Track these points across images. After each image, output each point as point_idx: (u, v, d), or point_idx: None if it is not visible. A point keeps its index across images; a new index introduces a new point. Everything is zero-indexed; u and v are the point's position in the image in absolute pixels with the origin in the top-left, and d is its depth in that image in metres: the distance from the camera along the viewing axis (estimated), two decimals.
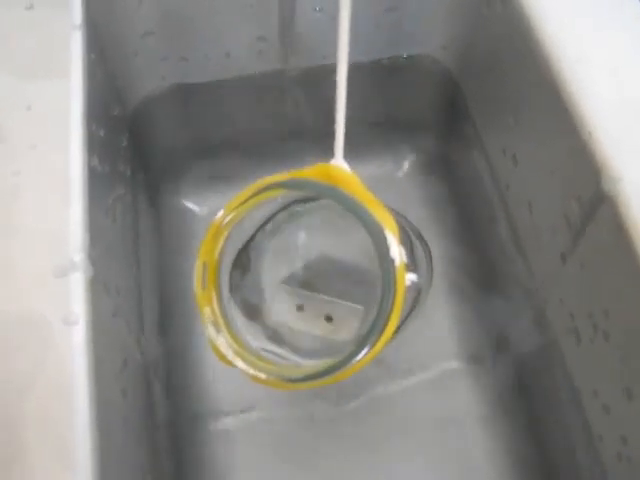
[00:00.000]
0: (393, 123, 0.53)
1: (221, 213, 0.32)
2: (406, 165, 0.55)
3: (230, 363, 0.33)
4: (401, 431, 0.46)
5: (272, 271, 0.38)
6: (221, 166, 0.52)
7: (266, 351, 0.35)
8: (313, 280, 0.38)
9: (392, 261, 0.29)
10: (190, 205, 0.53)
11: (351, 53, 0.47)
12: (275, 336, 0.37)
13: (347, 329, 0.37)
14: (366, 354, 0.30)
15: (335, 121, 0.31)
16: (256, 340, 0.35)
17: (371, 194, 0.31)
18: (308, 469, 0.44)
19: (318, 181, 0.31)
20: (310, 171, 0.31)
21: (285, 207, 0.36)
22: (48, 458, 0.26)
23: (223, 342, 0.33)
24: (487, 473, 0.44)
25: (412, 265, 0.37)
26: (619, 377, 0.34)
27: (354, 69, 0.48)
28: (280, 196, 0.33)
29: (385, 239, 0.29)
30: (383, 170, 0.55)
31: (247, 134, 0.51)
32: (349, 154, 0.55)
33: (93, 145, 0.34)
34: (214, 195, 0.52)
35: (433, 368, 0.48)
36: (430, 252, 0.39)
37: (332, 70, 0.48)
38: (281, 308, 0.37)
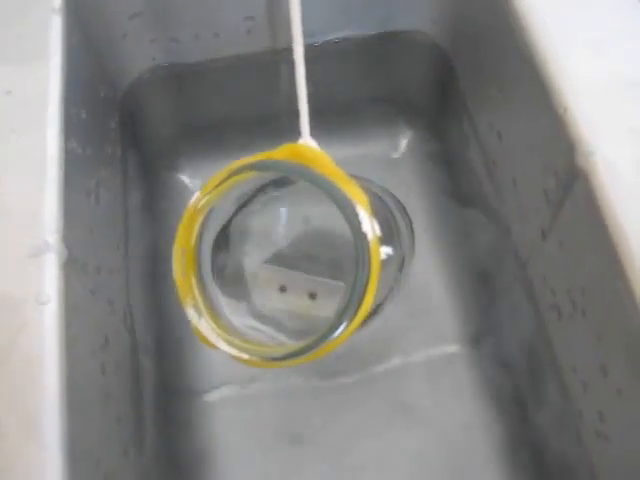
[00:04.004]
0: (387, 100, 0.53)
1: (195, 197, 0.33)
2: (403, 143, 0.55)
3: (213, 345, 0.33)
4: (394, 407, 0.46)
5: (253, 251, 0.38)
6: (215, 144, 0.53)
7: (251, 328, 0.36)
8: (295, 259, 0.39)
9: (364, 235, 0.29)
10: (183, 183, 0.54)
11: (339, 29, 0.47)
12: (260, 315, 0.37)
13: (329, 306, 0.37)
14: (344, 330, 0.30)
15: (298, 100, 0.31)
16: (241, 317, 0.35)
17: (341, 170, 0.31)
18: (297, 445, 0.45)
19: (287, 161, 0.31)
20: (279, 152, 0.31)
21: (263, 187, 0.37)
22: (18, 435, 0.26)
23: (205, 325, 0.33)
24: (478, 452, 0.45)
25: (391, 239, 0.37)
26: (595, 354, 0.33)
27: (344, 46, 0.48)
28: (258, 177, 0.34)
29: (356, 214, 0.29)
30: (379, 149, 0.54)
31: (239, 112, 0.51)
32: (341, 133, 0.55)
33: (72, 128, 0.34)
34: (208, 173, 0.53)
35: (426, 347, 0.48)
36: (412, 225, 0.39)
37: (320, 47, 0.48)
38: (264, 290, 0.38)
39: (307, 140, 0.32)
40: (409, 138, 0.55)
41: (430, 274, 0.50)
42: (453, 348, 0.47)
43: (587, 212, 0.31)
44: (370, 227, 0.29)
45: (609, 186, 0.30)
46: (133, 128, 0.48)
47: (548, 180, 0.35)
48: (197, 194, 0.33)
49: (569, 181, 0.33)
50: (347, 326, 0.30)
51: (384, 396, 0.46)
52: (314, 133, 0.33)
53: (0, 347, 0.28)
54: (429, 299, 0.49)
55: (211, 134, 0.53)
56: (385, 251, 0.32)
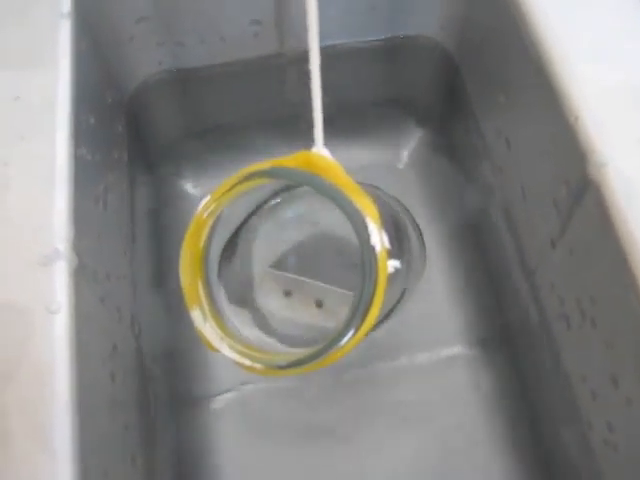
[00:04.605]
0: (395, 106, 0.53)
1: (205, 202, 0.33)
2: (409, 149, 0.55)
3: (216, 349, 0.33)
4: (397, 408, 0.46)
5: (262, 257, 0.38)
6: (221, 149, 0.53)
7: (256, 335, 0.36)
8: (305, 266, 0.39)
9: (372, 248, 0.29)
10: (189, 188, 0.54)
11: (347, 35, 0.47)
12: (264, 324, 0.37)
13: (337, 316, 0.37)
14: (349, 340, 0.30)
15: (313, 109, 0.31)
16: (245, 327, 0.35)
17: (352, 181, 0.31)
18: (302, 446, 0.45)
19: (299, 169, 0.31)
20: (291, 159, 0.31)
21: (276, 193, 0.37)
22: (29, 444, 0.26)
23: (209, 329, 0.33)
24: (482, 456, 0.45)
25: (400, 252, 0.37)
26: (605, 363, 0.33)
27: (351, 51, 0.48)
28: (270, 183, 0.34)
29: (365, 226, 0.29)
30: (385, 155, 0.54)
31: (245, 116, 0.51)
32: (347, 138, 0.55)
33: (81, 134, 0.34)
34: (214, 178, 0.53)
35: (431, 350, 0.48)
36: (422, 237, 0.39)
37: (328, 52, 0.48)
38: (268, 294, 0.37)
39: (320, 149, 0.32)
40: (416, 143, 0.54)
41: (437, 280, 0.50)
42: (458, 353, 0.47)
43: (598, 221, 0.31)
44: (379, 239, 0.29)
45: (620, 196, 0.30)
46: (139, 132, 0.48)
47: (558, 189, 0.35)
48: (207, 199, 0.33)
49: (580, 191, 0.33)
50: (352, 336, 0.30)
51: (388, 397, 0.46)
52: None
53: (11, 356, 0.28)
54: (436, 306, 0.49)
55: (217, 138, 0.53)
56: (393, 264, 0.32)
